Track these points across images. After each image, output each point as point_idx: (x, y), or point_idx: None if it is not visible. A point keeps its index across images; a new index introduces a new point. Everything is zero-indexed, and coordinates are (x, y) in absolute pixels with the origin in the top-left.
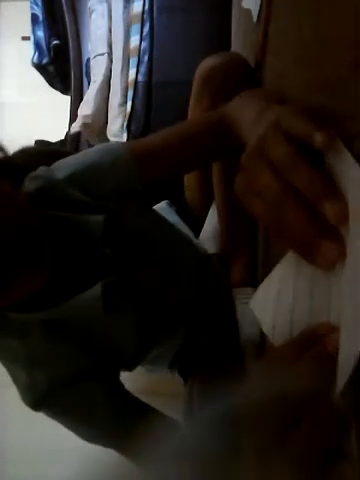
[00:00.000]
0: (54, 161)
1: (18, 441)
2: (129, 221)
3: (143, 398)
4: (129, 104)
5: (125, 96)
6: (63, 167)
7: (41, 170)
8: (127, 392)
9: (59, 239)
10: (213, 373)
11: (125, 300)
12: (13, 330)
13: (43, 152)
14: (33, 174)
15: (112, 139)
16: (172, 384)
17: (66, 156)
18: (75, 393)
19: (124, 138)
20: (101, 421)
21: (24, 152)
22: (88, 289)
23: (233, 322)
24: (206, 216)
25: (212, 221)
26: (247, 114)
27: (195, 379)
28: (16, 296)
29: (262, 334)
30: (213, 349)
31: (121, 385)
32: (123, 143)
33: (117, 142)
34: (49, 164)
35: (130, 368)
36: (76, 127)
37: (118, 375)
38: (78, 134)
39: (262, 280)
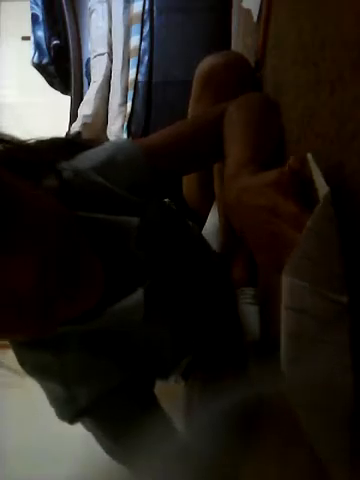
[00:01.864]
0: (71, 153)
1: (18, 441)
2: (156, 220)
3: None
4: (129, 104)
5: (125, 96)
6: (83, 160)
7: (63, 163)
8: (159, 405)
9: (96, 244)
10: (215, 373)
11: (161, 305)
12: (47, 343)
13: (58, 143)
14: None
15: (112, 139)
16: (171, 383)
17: (82, 147)
18: (114, 406)
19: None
20: (134, 437)
21: (43, 144)
22: (127, 296)
23: (236, 322)
24: (204, 216)
25: (212, 221)
26: (236, 137)
27: (195, 379)
28: (73, 313)
29: (262, 334)
30: (216, 349)
31: (154, 397)
32: (132, 140)
33: (127, 139)
34: (66, 158)
35: (166, 376)
36: (76, 127)
37: (153, 386)
38: (78, 134)
39: (262, 280)
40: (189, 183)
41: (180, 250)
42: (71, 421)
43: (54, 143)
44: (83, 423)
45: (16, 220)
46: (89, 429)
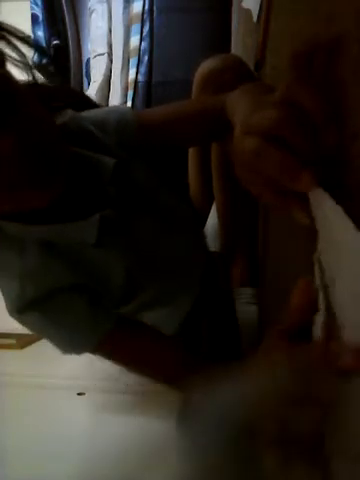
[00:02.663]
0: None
1: (18, 441)
2: (137, 174)
3: (140, 398)
4: (129, 104)
5: (125, 96)
6: (82, 114)
7: (67, 111)
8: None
9: (73, 169)
10: (213, 371)
11: (117, 238)
12: (10, 244)
13: (74, 94)
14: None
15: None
16: None
17: (90, 106)
18: (60, 301)
19: None
20: (81, 325)
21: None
22: (87, 218)
23: (234, 321)
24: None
25: (211, 222)
26: (242, 104)
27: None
28: (37, 199)
29: (260, 333)
30: (214, 347)
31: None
32: (133, 110)
33: (129, 107)
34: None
35: (117, 307)
36: None
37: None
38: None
39: (262, 280)
40: (192, 185)
41: (155, 205)
42: (19, 313)
43: (71, 92)
44: (29, 317)
45: (8, 103)
46: (32, 323)
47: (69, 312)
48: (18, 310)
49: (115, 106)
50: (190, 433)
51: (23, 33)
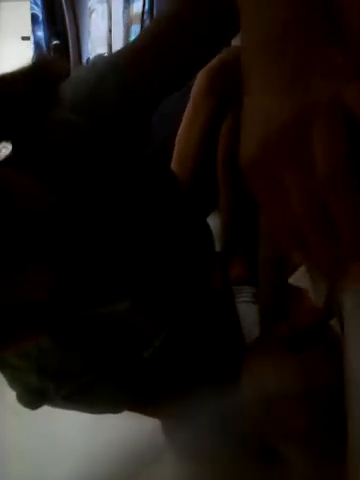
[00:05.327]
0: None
1: (18, 441)
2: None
3: None
4: None
5: None
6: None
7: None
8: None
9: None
10: (216, 372)
11: (149, 302)
12: None
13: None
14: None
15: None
16: None
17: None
18: (81, 395)
19: None
20: (106, 404)
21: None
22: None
23: (235, 320)
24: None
25: (214, 220)
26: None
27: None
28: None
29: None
30: (214, 347)
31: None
32: (111, 60)
33: (107, 62)
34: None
35: (147, 348)
36: None
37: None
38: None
39: (262, 279)
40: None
41: (166, 255)
42: (33, 408)
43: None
44: (47, 405)
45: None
46: (52, 405)
47: (91, 400)
48: (35, 407)
49: (93, 71)
50: (186, 437)
51: None
